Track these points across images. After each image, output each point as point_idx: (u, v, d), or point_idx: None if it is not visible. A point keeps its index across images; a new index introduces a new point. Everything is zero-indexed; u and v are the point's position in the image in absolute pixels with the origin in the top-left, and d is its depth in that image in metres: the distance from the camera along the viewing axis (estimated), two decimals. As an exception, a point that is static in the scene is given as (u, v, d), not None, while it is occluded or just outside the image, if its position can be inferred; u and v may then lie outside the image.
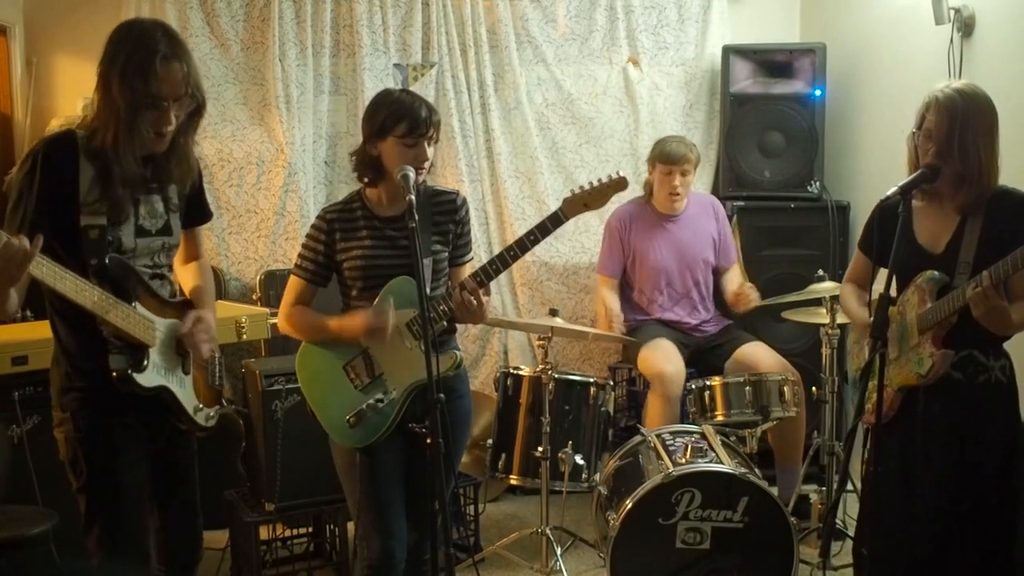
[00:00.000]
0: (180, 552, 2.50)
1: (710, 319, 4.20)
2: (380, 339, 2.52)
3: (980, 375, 2.53)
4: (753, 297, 3.92)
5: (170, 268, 2.43)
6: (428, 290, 2.54)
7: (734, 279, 4.19)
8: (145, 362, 2.22)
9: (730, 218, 4.34)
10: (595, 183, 2.63)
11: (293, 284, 2.69)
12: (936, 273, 2.51)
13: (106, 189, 2.16)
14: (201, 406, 2.43)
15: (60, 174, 2.13)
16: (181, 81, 2.16)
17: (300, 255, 2.68)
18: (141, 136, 2.18)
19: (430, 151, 2.58)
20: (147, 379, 2.23)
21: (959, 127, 2.46)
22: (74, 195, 2.13)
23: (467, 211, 2.73)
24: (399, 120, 2.53)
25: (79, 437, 2.24)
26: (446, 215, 2.68)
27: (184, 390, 2.36)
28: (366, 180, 2.65)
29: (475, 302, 2.53)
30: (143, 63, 2.12)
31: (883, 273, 2.54)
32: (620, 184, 2.63)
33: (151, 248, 2.31)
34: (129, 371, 2.19)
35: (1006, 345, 2.57)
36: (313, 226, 2.68)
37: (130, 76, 2.11)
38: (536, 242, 2.59)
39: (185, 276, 2.54)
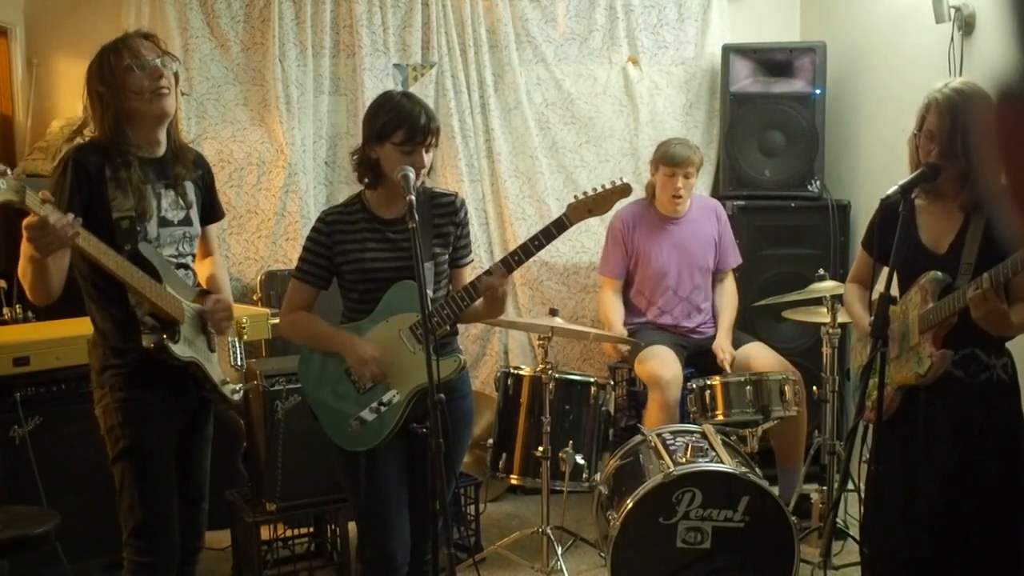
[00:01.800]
0: (185, 537, 2.57)
1: (708, 320, 4.20)
2: (364, 376, 2.57)
3: (981, 373, 2.54)
4: (728, 359, 3.93)
5: (193, 258, 2.63)
6: (430, 293, 2.55)
7: (723, 319, 4.16)
8: (177, 336, 2.44)
9: (731, 218, 4.34)
10: (599, 189, 2.64)
11: (294, 287, 2.68)
12: (939, 274, 2.51)
13: (126, 187, 2.40)
14: (227, 380, 2.64)
15: (89, 175, 2.38)
16: (152, 46, 2.46)
17: (301, 258, 2.68)
18: (139, 111, 2.42)
19: (428, 158, 2.58)
20: (181, 350, 2.45)
21: (960, 126, 2.46)
22: (103, 193, 2.38)
23: (466, 213, 2.73)
24: (397, 127, 2.53)
25: (116, 407, 2.44)
26: (446, 217, 2.67)
27: (212, 365, 2.59)
28: (365, 182, 2.65)
29: (503, 287, 2.57)
30: (115, 47, 2.43)
31: (885, 272, 2.54)
32: (624, 190, 2.64)
33: (174, 237, 2.54)
34: (165, 341, 2.40)
35: (1008, 344, 2.57)
36: (314, 229, 2.68)
37: (109, 64, 2.41)
38: (541, 246, 2.60)
39: (201, 269, 2.73)
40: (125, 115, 2.41)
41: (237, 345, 2.76)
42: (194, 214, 2.60)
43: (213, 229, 2.78)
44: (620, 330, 4.10)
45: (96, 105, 2.44)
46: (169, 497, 2.52)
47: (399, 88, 4.47)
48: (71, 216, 2.18)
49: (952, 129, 2.47)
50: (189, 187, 2.58)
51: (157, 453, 2.49)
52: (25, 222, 2.15)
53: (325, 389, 2.62)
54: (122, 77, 2.40)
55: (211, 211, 2.72)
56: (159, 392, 2.47)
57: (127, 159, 2.41)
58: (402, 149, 2.53)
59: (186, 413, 2.59)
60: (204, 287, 2.68)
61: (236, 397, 2.67)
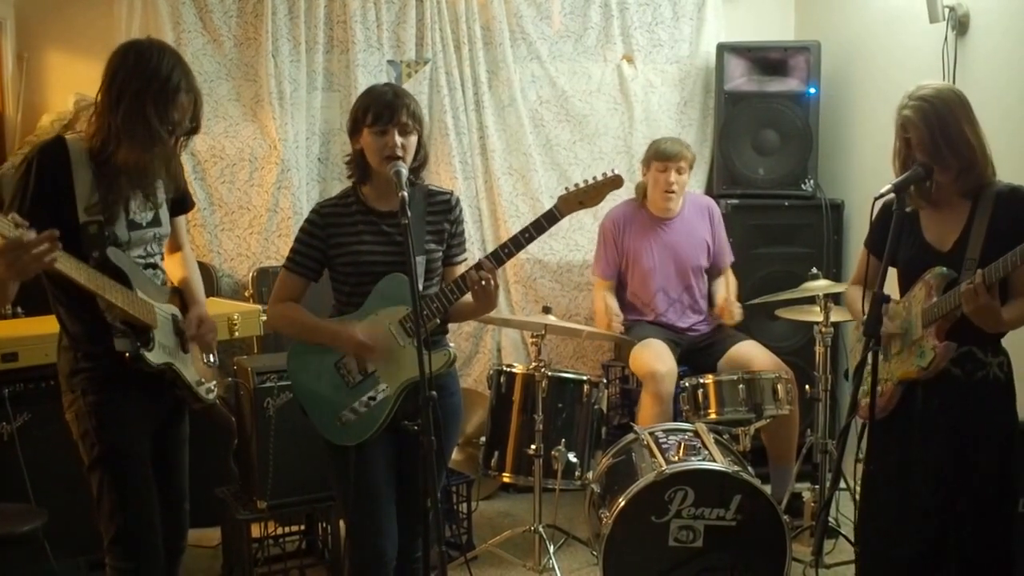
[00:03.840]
0: (167, 538, 2.54)
1: (703, 319, 4.19)
2: (366, 357, 2.56)
3: (978, 371, 2.54)
4: (736, 314, 3.93)
5: (162, 257, 2.58)
6: (421, 288, 2.54)
7: (721, 289, 4.18)
8: (151, 343, 2.41)
9: (725, 217, 4.33)
10: (590, 180, 2.63)
11: (284, 278, 2.67)
12: (944, 269, 2.52)
13: (108, 193, 2.34)
14: (202, 381, 2.61)
15: (54, 177, 2.30)
16: (192, 110, 2.42)
17: (293, 249, 2.67)
18: (147, 153, 2.38)
19: (402, 140, 2.53)
20: (156, 356, 2.42)
21: (938, 129, 2.49)
22: (69, 195, 2.30)
23: (461, 211, 2.73)
24: (367, 110, 2.54)
25: (89, 411, 2.39)
26: (441, 214, 2.67)
27: (186, 368, 2.55)
28: (355, 179, 2.64)
29: (492, 282, 2.53)
30: (164, 93, 2.34)
31: (892, 272, 2.55)
32: (615, 182, 2.63)
33: (143, 239, 2.47)
34: (140, 350, 2.37)
35: (1005, 343, 2.58)
36: (307, 220, 2.66)
37: (151, 104, 2.32)
38: (531, 239, 2.59)
39: (172, 267, 2.66)
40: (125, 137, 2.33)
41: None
42: (163, 213, 2.54)
43: (181, 221, 2.71)
44: (615, 308, 4.07)
45: (116, 107, 2.33)
46: (150, 501, 2.46)
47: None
48: (49, 237, 2.08)
49: (931, 134, 2.50)
50: (160, 185, 2.52)
51: (134, 457, 2.44)
52: None
53: (314, 383, 2.61)
54: (163, 118, 2.35)
55: (181, 203, 2.67)
56: (132, 394, 2.43)
57: (107, 170, 2.34)
58: (373, 131, 2.52)
59: (160, 414, 2.54)
60: (176, 285, 2.63)
61: (211, 396, 2.63)
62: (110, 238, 2.35)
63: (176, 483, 2.61)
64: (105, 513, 2.41)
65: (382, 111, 2.52)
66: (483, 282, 2.52)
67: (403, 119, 2.53)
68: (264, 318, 3.63)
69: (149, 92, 2.32)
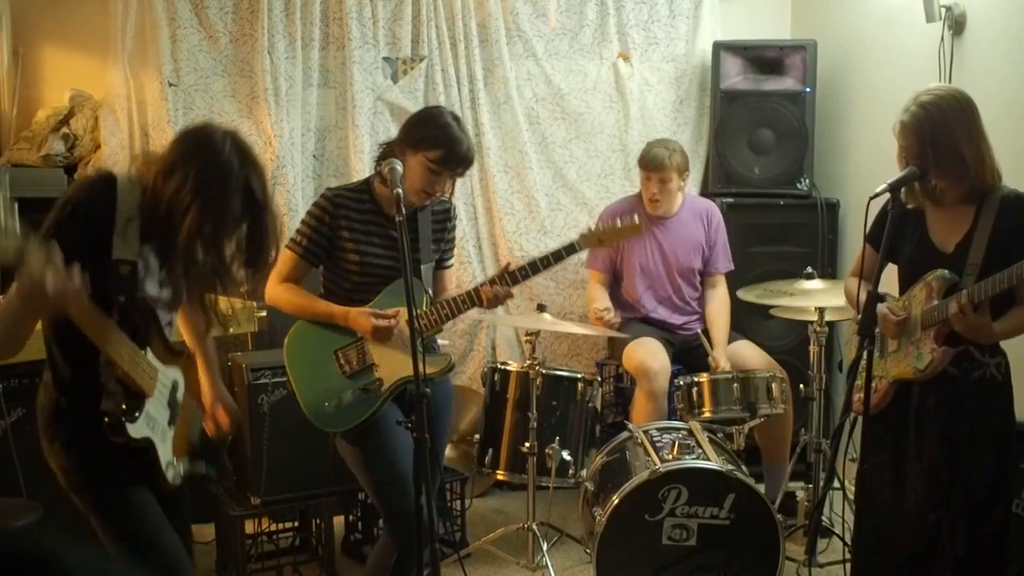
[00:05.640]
0: None
1: (695, 319, 4.19)
2: (384, 340, 2.59)
3: (975, 371, 2.55)
4: (724, 367, 3.81)
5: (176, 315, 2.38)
6: (431, 292, 2.65)
7: (716, 335, 4.04)
8: (138, 413, 2.16)
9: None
10: (613, 223, 2.80)
11: (289, 260, 2.67)
12: (947, 272, 2.53)
13: (131, 238, 2.14)
14: (174, 461, 2.33)
15: (96, 219, 2.10)
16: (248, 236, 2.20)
17: (299, 231, 2.66)
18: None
19: (450, 185, 2.65)
20: (136, 430, 2.16)
21: (929, 139, 2.48)
22: (109, 233, 2.11)
23: (456, 217, 2.84)
24: (437, 145, 2.56)
25: (77, 464, 2.19)
26: (443, 223, 2.77)
27: (164, 444, 2.28)
28: (382, 164, 2.63)
29: (505, 300, 2.71)
30: (224, 224, 2.12)
31: (892, 270, 2.56)
32: (635, 229, 2.78)
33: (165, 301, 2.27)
34: (123, 419, 2.13)
35: (1003, 343, 2.59)
36: (319, 205, 2.66)
37: (211, 201, 2.10)
38: (549, 266, 2.77)
39: (186, 324, 2.49)
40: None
41: (196, 418, 2.46)
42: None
43: None
44: (608, 305, 4.04)
45: (182, 187, 2.08)
46: (171, 537, 2.22)
47: (388, 80, 4.47)
48: (76, 277, 1.88)
49: (920, 143, 2.49)
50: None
51: (141, 506, 2.20)
52: (21, 281, 1.88)
53: (309, 367, 2.64)
54: (223, 212, 2.11)
55: None
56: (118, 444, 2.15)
57: (157, 231, 2.12)
58: (431, 167, 2.54)
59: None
60: (189, 348, 2.44)
61: (177, 482, 2.31)
62: (142, 282, 2.15)
63: (177, 524, 2.31)
64: (121, 552, 2.16)
65: (451, 158, 2.56)
66: (498, 297, 2.59)
67: (461, 171, 2.61)
68: (260, 315, 3.61)
69: (207, 216, 2.09)
